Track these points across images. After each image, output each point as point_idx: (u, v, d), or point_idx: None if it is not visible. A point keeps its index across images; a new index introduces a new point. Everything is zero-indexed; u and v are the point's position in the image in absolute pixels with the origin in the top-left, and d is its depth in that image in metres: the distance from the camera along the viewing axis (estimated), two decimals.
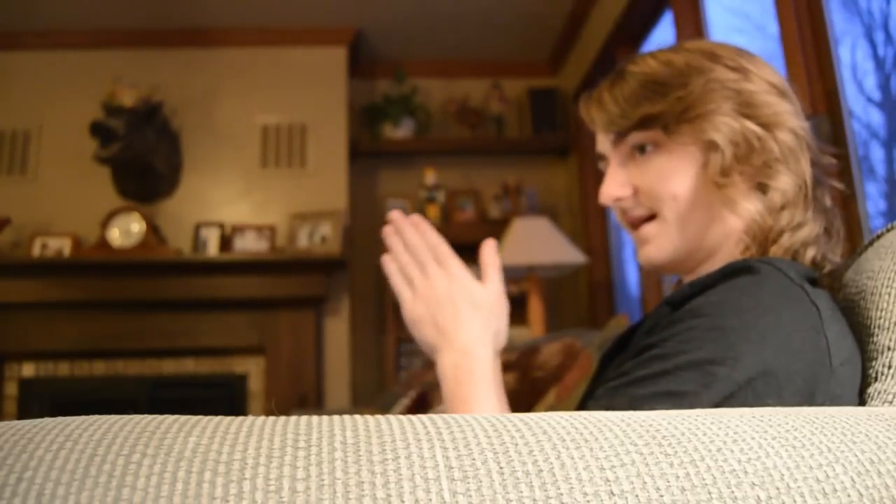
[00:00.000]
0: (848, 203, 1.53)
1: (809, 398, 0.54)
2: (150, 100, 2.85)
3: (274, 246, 2.95)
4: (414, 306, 0.74)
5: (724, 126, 0.68)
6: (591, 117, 0.76)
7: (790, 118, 0.69)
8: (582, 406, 0.72)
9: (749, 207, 0.68)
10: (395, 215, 0.77)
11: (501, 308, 0.73)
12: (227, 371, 2.94)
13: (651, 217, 0.73)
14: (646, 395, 0.54)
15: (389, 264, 0.77)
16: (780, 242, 0.67)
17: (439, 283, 0.72)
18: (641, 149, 0.73)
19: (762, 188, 0.68)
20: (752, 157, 0.68)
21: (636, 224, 0.75)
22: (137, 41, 3.11)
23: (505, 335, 0.74)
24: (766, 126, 0.68)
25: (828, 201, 0.71)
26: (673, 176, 0.70)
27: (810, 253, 0.67)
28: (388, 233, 0.77)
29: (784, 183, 0.67)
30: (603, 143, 0.77)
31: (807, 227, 0.67)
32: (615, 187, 0.74)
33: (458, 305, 0.71)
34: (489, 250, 0.75)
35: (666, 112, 0.69)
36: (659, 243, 0.72)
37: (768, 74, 0.71)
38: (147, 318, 2.85)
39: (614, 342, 0.76)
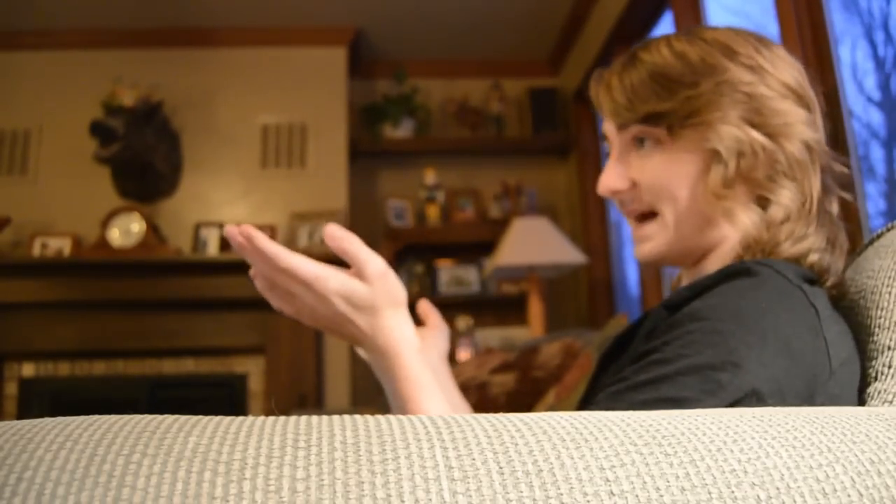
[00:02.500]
0: (848, 203, 1.53)
1: (809, 399, 0.54)
2: (150, 100, 2.85)
3: None
4: (308, 321, 0.67)
5: (729, 136, 0.65)
6: (598, 101, 0.74)
7: (802, 128, 0.66)
8: (581, 408, 0.71)
9: (746, 221, 0.66)
10: (229, 231, 0.62)
11: (393, 286, 0.65)
12: (227, 371, 2.94)
13: (650, 214, 0.72)
14: (647, 400, 0.53)
15: (257, 281, 0.67)
16: (776, 253, 0.65)
17: (316, 306, 0.64)
18: (642, 141, 0.71)
19: (763, 201, 0.67)
20: (756, 169, 0.66)
21: (636, 218, 0.74)
22: (137, 41, 3.11)
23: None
24: (773, 136, 0.66)
25: (835, 210, 0.69)
26: (674, 177, 0.69)
27: (812, 258, 0.65)
28: (238, 249, 0.64)
29: (786, 198, 0.65)
30: (608, 127, 0.75)
31: (808, 241, 0.65)
32: (614, 179, 0.73)
33: (351, 319, 0.64)
34: (335, 237, 0.63)
35: (671, 112, 0.67)
36: (656, 241, 0.72)
37: (785, 73, 0.68)
38: (147, 318, 2.85)
39: (613, 342, 0.75)
